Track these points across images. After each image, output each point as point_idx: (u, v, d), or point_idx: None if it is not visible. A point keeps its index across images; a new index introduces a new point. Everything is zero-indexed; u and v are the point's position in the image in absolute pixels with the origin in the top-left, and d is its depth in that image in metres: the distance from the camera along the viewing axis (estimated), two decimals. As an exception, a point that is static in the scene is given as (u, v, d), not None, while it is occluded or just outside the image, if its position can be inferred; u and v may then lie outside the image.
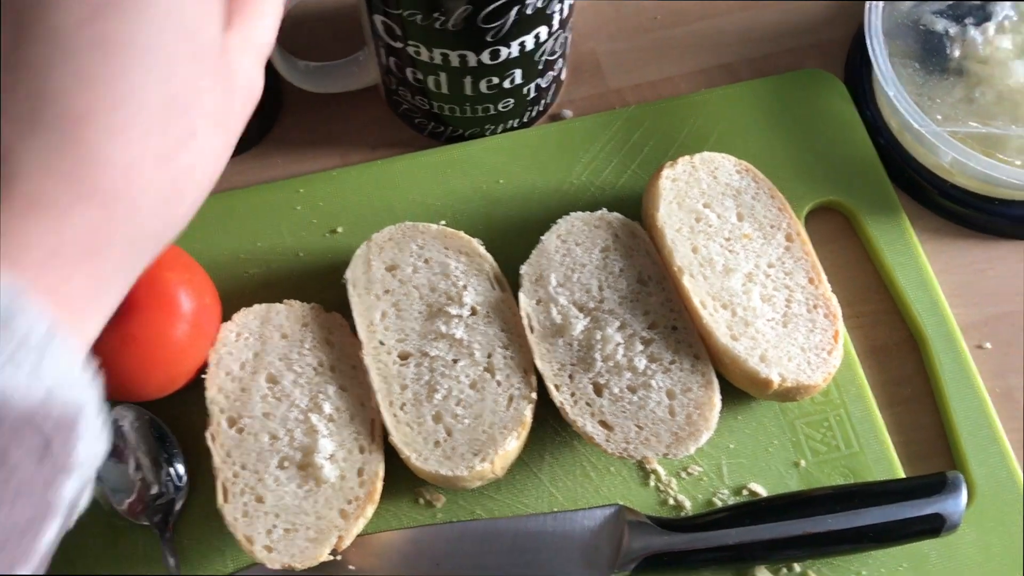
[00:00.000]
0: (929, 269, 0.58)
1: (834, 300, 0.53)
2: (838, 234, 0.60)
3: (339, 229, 0.58)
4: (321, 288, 0.55)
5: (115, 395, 0.50)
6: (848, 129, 0.61)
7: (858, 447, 0.53)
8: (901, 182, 0.61)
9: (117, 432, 0.51)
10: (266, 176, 0.61)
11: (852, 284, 0.58)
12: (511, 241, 0.56)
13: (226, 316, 0.53)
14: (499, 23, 0.51)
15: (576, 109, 0.64)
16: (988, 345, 0.57)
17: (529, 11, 0.51)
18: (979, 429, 0.54)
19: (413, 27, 0.52)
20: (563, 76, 0.62)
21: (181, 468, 0.52)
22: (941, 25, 0.60)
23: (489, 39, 0.52)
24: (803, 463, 0.53)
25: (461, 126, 0.60)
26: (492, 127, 0.61)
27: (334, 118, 0.63)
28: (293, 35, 0.62)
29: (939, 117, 0.57)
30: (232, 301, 0.55)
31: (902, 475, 0.53)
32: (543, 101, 0.61)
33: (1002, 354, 0.57)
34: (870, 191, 0.60)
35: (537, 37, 0.54)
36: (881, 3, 0.59)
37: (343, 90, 0.61)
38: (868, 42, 0.58)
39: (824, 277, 0.54)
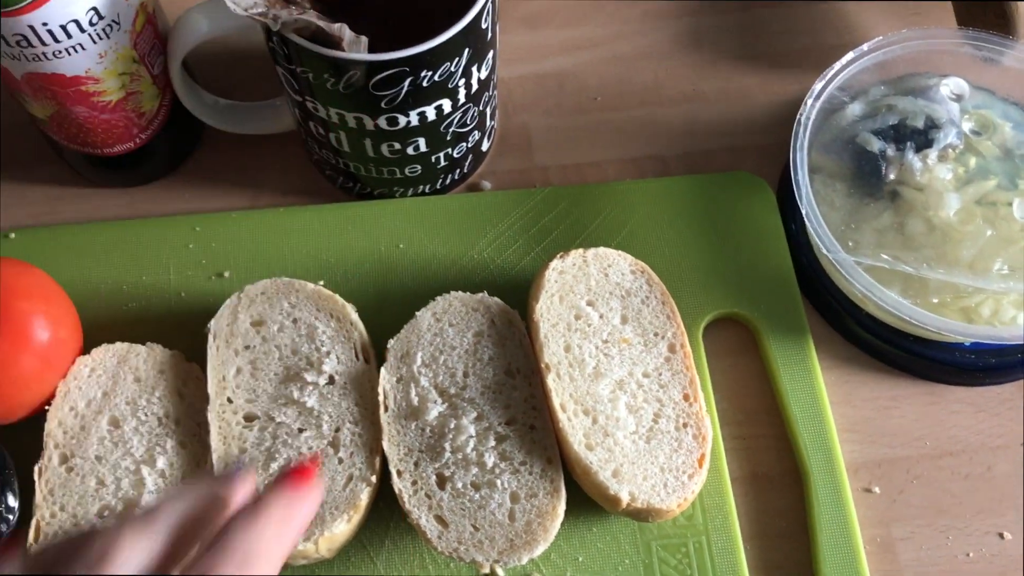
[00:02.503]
0: (826, 400, 0.55)
1: (707, 421, 0.50)
2: (740, 348, 0.57)
3: (226, 274, 0.57)
4: (194, 334, 0.54)
5: (-47, 416, 0.49)
6: (769, 240, 0.59)
7: (713, 579, 0.51)
8: (817, 303, 0.59)
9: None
10: (169, 209, 0.60)
11: (745, 404, 0.56)
12: (396, 310, 0.54)
13: (92, 347, 0.52)
14: (392, 91, 0.50)
15: (497, 182, 0.62)
16: (876, 489, 0.54)
17: (424, 83, 0.50)
18: (847, 579, 0.51)
19: (309, 84, 0.51)
20: (484, 148, 0.60)
21: (13, 500, 0.50)
22: (878, 145, 0.57)
23: (384, 106, 0.51)
24: (651, 588, 0.50)
25: (370, 184, 0.59)
26: (401, 190, 0.59)
27: (253, 159, 0.62)
28: (216, 70, 0.62)
29: (852, 243, 0.54)
30: (102, 333, 0.54)
31: (753, 616, 0.50)
32: (458, 170, 0.60)
33: (889, 501, 0.54)
34: (779, 309, 0.57)
35: (439, 109, 0.52)
36: (812, 114, 0.57)
37: (255, 132, 0.60)
38: (791, 154, 0.55)
39: (701, 396, 0.51)
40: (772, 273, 0.58)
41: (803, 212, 0.54)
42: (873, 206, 0.56)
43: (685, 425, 0.50)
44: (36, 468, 0.49)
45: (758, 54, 0.66)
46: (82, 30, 0.48)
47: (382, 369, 0.51)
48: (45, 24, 0.47)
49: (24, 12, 0.46)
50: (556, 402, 0.50)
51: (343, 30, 0.47)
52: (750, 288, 0.57)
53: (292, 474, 0.36)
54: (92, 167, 0.59)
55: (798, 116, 0.56)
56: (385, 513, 0.51)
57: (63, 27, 0.47)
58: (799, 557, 0.52)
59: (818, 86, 0.57)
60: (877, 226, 0.56)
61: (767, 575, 0.52)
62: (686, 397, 0.51)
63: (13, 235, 0.58)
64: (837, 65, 0.58)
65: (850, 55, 0.58)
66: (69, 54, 0.49)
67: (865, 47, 0.59)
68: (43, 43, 0.48)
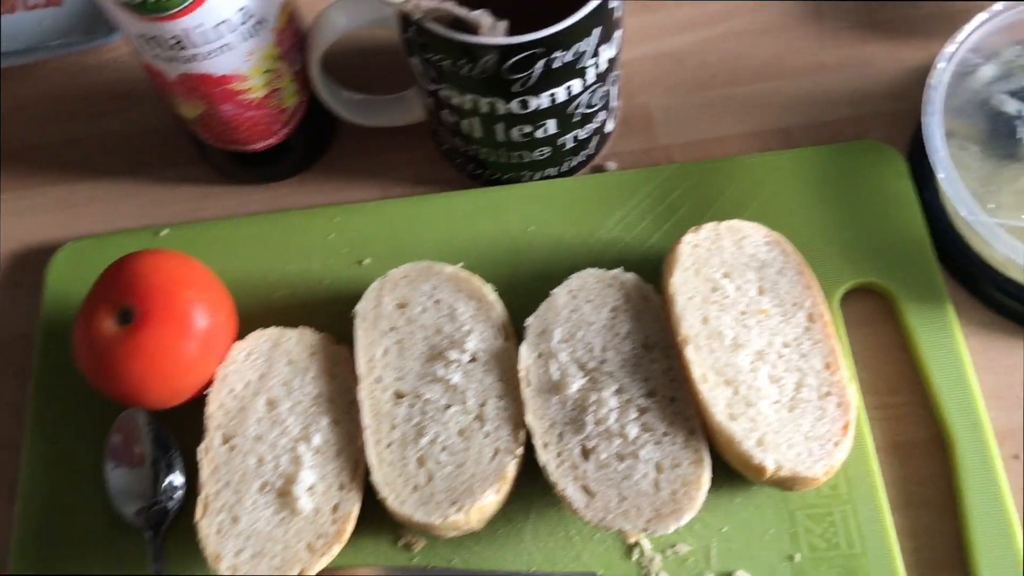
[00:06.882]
0: (969, 366, 0.54)
1: (850, 390, 0.50)
2: (876, 318, 0.57)
3: (366, 261, 0.59)
4: (339, 318, 0.56)
5: (123, 400, 0.52)
6: (902, 208, 0.58)
7: (861, 548, 0.50)
8: (954, 270, 0.58)
9: (124, 438, 0.54)
10: (309, 202, 0.63)
11: (884, 373, 0.55)
12: (529, 290, 0.56)
13: (244, 334, 0.55)
14: (525, 74, 0.51)
15: (621, 162, 0.63)
16: (1026, 456, 0.53)
17: (556, 64, 0.51)
18: (1000, 545, 0.50)
19: (444, 72, 0.52)
20: (607, 128, 0.61)
21: (179, 478, 0.53)
22: (1013, 106, 0.56)
23: (516, 89, 0.52)
24: (798, 557, 0.50)
25: (499, 170, 0.60)
26: (529, 174, 0.60)
27: (383, 151, 0.64)
28: (347, 66, 0.64)
29: (992, 206, 0.53)
30: (253, 321, 0.56)
31: (904, 584, 0.50)
32: (584, 152, 0.61)
33: (1041, 467, 0.53)
34: (916, 276, 0.56)
35: (569, 90, 0.53)
36: (945, 78, 0.56)
37: (388, 125, 0.62)
38: (924, 119, 0.55)
39: (843, 364, 0.51)
40: (907, 241, 0.57)
41: (939, 177, 0.53)
42: (1011, 168, 0.55)
43: (828, 394, 0.50)
44: (200, 448, 0.51)
45: (881, 22, 0.66)
46: (232, 30, 0.51)
47: (522, 346, 0.52)
48: (199, 26, 0.50)
49: (181, 15, 0.49)
50: (696, 373, 0.50)
51: (482, 16, 0.48)
52: (885, 257, 0.57)
53: None
54: (235, 164, 0.62)
55: (928, 80, 0.56)
56: (529, 487, 0.52)
57: (215, 28, 0.50)
58: (948, 526, 0.51)
59: (949, 49, 0.57)
60: (1017, 188, 0.55)
61: (916, 543, 0.51)
62: (828, 366, 0.51)
63: (165, 232, 0.61)
64: (968, 27, 0.57)
65: (982, 15, 0.57)
66: (219, 53, 0.52)
67: (998, 7, 0.57)
68: (196, 45, 0.51)
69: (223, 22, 0.50)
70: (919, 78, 0.62)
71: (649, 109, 0.64)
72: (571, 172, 0.62)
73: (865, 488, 0.51)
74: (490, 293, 0.54)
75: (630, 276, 0.54)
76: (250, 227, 0.61)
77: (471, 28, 0.49)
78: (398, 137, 0.64)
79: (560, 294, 0.54)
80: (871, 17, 0.66)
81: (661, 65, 0.65)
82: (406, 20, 0.51)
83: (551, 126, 0.56)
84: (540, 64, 0.50)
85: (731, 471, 0.51)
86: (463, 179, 0.63)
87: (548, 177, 0.61)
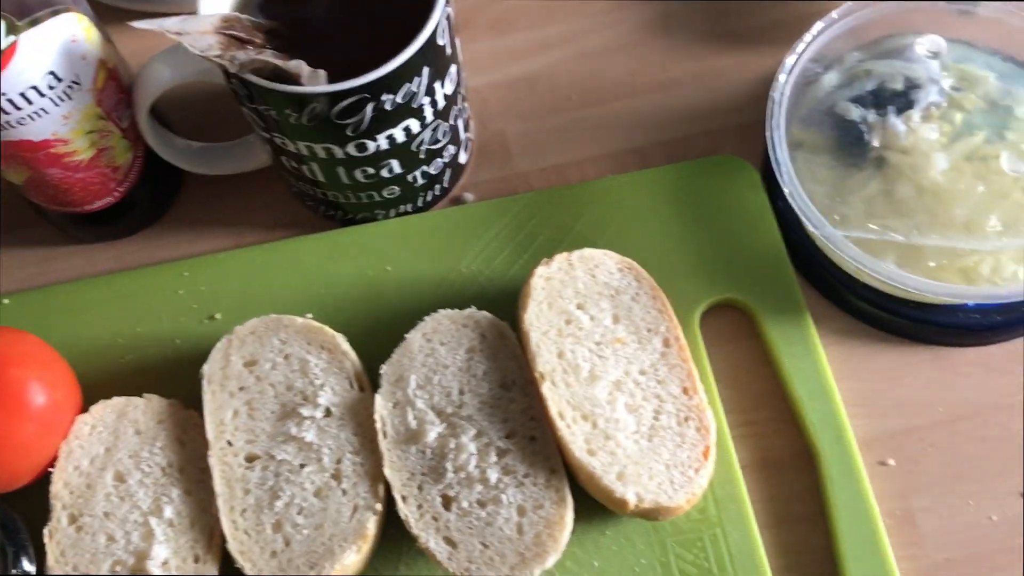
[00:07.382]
0: (830, 378, 0.54)
1: (709, 413, 0.50)
2: (738, 334, 0.56)
3: (217, 316, 0.57)
4: (191, 379, 0.54)
5: (-38, 488, 0.50)
6: (757, 221, 0.58)
7: (732, 570, 0.50)
8: (812, 279, 0.58)
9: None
10: (158, 257, 0.61)
11: (747, 389, 0.55)
12: (389, 334, 0.54)
13: (95, 403, 0.53)
14: (356, 119, 0.49)
15: (480, 192, 0.62)
16: (891, 462, 0.53)
17: (387, 107, 0.50)
18: (868, 556, 0.50)
19: (274, 120, 0.51)
20: (461, 160, 0.60)
21: (29, 564, 0.51)
22: (858, 113, 0.56)
23: (349, 134, 0.50)
24: (670, 586, 0.50)
25: (351, 211, 0.59)
26: (383, 212, 0.59)
27: (234, 197, 0.62)
28: (187, 113, 0.62)
29: (837, 217, 0.54)
30: (101, 388, 0.54)
31: (777, 604, 0.49)
32: (438, 186, 0.59)
33: (906, 472, 0.53)
34: (774, 289, 0.56)
35: (407, 130, 0.52)
36: (787, 90, 0.56)
37: (232, 172, 0.60)
38: (767, 134, 0.54)
39: (701, 387, 0.50)
40: (764, 254, 0.57)
41: (786, 192, 0.53)
42: (859, 175, 0.55)
43: (687, 419, 0.50)
44: (46, 531, 0.49)
45: (730, 32, 0.65)
46: (42, 95, 0.48)
47: (377, 396, 0.51)
48: (3, 94, 0.47)
49: (-20, 85, 0.46)
50: (554, 410, 0.49)
51: (300, 67, 0.47)
52: (743, 271, 0.57)
53: None
54: (76, 225, 0.59)
55: (771, 93, 0.56)
56: (395, 540, 0.51)
57: (22, 95, 0.48)
58: (818, 539, 0.51)
59: (790, 60, 0.57)
60: (865, 195, 0.55)
61: (787, 560, 0.51)
62: (685, 391, 0.50)
63: (6, 301, 0.58)
64: (808, 36, 0.57)
65: (820, 24, 0.57)
66: (33, 120, 0.49)
67: (835, 14, 0.58)
68: (4, 112, 0.48)
69: (30, 88, 0.48)
70: (768, 88, 0.62)
71: (505, 136, 0.63)
72: (429, 206, 0.61)
73: (733, 509, 0.51)
74: (342, 343, 0.52)
75: (484, 314, 0.53)
76: (96, 289, 0.58)
77: (291, 78, 0.47)
78: (249, 181, 0.61)
79: (414, 338, 0.52)
80: (719, 27, 0.66)
81: (514, 90, 0.64)
82: (227, 72, 0.49)
83: (395, 166, 0.54)
84: (369, 108, 0.49)
85: (600, 504, 0.50)
86: (320, 221, 0.61)
87: (404, 213, 0.60)
